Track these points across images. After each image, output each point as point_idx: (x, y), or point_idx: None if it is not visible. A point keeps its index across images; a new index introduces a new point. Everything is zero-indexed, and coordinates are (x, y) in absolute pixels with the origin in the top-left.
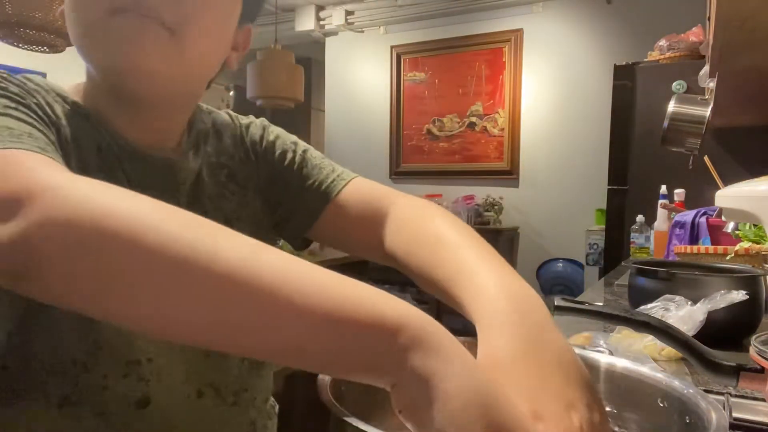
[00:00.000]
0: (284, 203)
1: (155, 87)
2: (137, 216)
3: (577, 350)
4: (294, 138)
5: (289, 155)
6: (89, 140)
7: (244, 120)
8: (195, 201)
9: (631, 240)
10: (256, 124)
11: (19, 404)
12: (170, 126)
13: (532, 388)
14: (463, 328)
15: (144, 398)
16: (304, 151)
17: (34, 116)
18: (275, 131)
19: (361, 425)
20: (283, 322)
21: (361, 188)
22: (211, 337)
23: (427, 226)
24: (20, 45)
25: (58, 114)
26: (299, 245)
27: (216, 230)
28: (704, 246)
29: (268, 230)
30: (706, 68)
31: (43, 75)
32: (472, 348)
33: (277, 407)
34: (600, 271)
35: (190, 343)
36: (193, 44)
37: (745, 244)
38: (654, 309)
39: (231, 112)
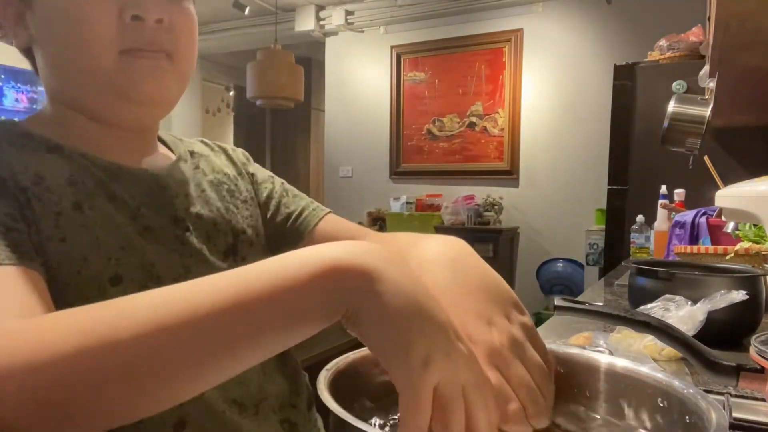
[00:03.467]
0: (267, 231)
1: (158, 113)
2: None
3: (577, 350)
4: (270, 172)
5: (269, 186)
6: (58, 176)
7: (226, 145)
8: (204, 213)
9: (631, 240)
10: (237, 151)
11: None
12: (142, 143)
13: (455, 309)
14: None
15: (180, 422)
16: (282, 183)
17: None
18: (255, 164)
19: (361, 425)
20: (231, 324)
21: (336, 222)
22: (201, 375)
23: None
24: None
25: (12, 163)
26: None
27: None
28: (704, 246)
29: (265, 246)
30: (706, 68)
31: None
32: None
33: (317, 419)
34: (600, 271)
35: (195, 392)
36: (187, 65)
37: (745, 244)
38: (654, 309)
39: (205, 140)
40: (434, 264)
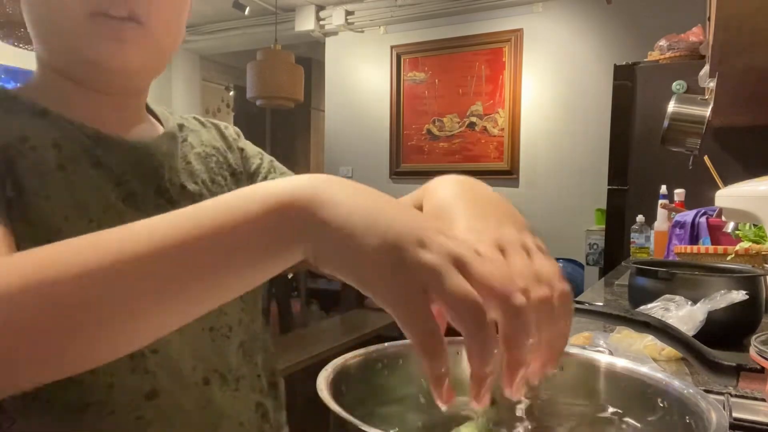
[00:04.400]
0: None
1: (133, 80)
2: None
3: (577, 350)
4: (259, 149)
5: (257, 161)
6: (43, 138)
7: (218, 121)
8: (189, 184)
9: (631, 240)
10: (229, 127)
11: (29, 416)
12: (130, 111)
13: (464, 229)
14: None
15: (152, 391)
16: (271, 160)
17: None
18: (245, 140)
19: (361, 425)
20: (177, 262)
21: None
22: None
23: None
24: (20, 45)
25: None
26: None
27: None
28: (704, 246)
29: None
30: (706, 68)
31: None
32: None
33: (281, 387)
34: (600, 271)
35: (144, 337)
36: (164, 34)
37: (745, 244)
38: (654, 309)
39: (197, 116)
40: (448, 202)
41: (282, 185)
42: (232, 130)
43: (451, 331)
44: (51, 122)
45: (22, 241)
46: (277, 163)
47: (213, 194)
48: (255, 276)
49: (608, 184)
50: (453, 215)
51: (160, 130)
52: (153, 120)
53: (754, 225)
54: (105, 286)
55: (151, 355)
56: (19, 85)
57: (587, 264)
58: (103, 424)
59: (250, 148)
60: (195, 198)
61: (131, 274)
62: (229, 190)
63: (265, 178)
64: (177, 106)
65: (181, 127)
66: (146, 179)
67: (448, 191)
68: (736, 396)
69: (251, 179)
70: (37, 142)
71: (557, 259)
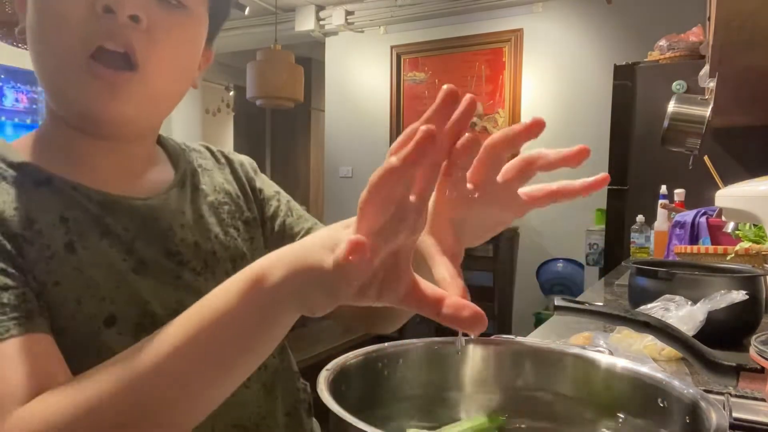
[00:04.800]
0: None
1: (132, 129)
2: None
3: (577, 350)
4: (277, 187)
5: (275, 204)
6: (49, 215)
7: (234, 156)
8: (202, 241)
9: (631, 240)
10: (245, 163)
11: None
12: (138, 156)
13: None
14: None
15: None
16: (288, 201)
17: None
18: (262, 176)
19: (361, 425)
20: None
21: None
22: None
23: None
24: (20, 45)
25: (1, 208)
26: None
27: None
28: (704, 246)
29: None
30: (706, 68)
31: None
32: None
33: (308, 393)
34: (600, 271)
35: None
36: (163, 81)
37: (745, 244)
38: (654, 309)
39: (212, 147)
40: None
41: (240, 276)
42: (248, 167)
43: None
44: (56, 191)
45: None
46: (293, 205)
47: (225, 248)
48: (268, 342)
49: (608, 184)
50: None
51: (171, 174)
52: (164, 158)
53: (754, 225)
54: (169, 387)
55: None
56: (24, 135)
57: (587, 264)
58: None
59: (267, 187)
60: (209, 254)
61: (176, 375)
62: (242, 241)
63: (282, 223)
64: (177, 107)
65: (193, 172)
66: (155, 242)
67: None
68: (736, 396)
69: (268, 224)
70: (43, 223)
71: (557, 259)
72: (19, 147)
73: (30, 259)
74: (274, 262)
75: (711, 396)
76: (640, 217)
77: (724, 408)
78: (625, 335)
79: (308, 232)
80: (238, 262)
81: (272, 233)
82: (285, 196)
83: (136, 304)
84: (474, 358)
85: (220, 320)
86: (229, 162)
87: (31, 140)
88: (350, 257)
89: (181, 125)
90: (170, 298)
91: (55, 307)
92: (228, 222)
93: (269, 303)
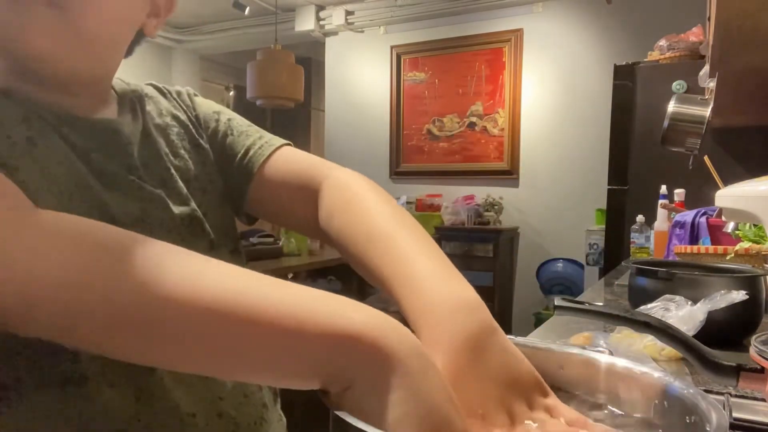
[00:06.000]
0: (222, 174)
1: (51, 68)
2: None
3: (577, 350)
4: (218, 107)
5: (212, 124)
6: (11, 114)
7: (174, 88)
8: (152, 159)
9: (631, 240)
10: (183, 92)
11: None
12: (87, 102)
13: (473, 396)
14: None
15: (135, 414)
16: (229, 120)
17: None
18: (199, 99)
19: (361, 425)
20: (252, 342)
21: (290, 158)
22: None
23: (362, 210)
24: None
25: None
26: (245, 221)
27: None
28: (704, 246)
29: (222, 192)
30: (706, 68)
31: None
32: None
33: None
34: (600, 271)
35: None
36: (84, 19)
37: (745, 244)
38: (654, 309)
39: (157, 83)
40: (450, 339)
41: (354, 319)
42: (185, 95)
43: None
44: (16, 102)
45: None
46: (235, 123)
47: (176, 167)
48: (279, 378)
49: (608, 184)
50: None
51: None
52: (115, 97)
53: (754, 225)
54: (203, 322)
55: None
56: None
57: (587, 264)
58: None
59: (205, 110)
60: (164, 170)
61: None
62: (194, 164)
63: (223, 143)
64: None
65: (139, 98)
66: (114, 157)
67: (457, 347)
68: (736, 396)
69: (211, 147)
70: (4, 117)
71: (557, 259)
72: None
73: None
74: (382, 338)
75: (711, 396)
76: (640, 217)
77: (724, 408)
78: (625, 335)
79: (248, 150)
80: (191, 183)
81: (217, 156)
82: (226, 115)
83: (96, 206)
84: None
85: (293, 327)
86: (173, 92)
87: None
88: None
89: None
90: (133, 206)
91: None
92: (177, 143)
93: (326, 361)
